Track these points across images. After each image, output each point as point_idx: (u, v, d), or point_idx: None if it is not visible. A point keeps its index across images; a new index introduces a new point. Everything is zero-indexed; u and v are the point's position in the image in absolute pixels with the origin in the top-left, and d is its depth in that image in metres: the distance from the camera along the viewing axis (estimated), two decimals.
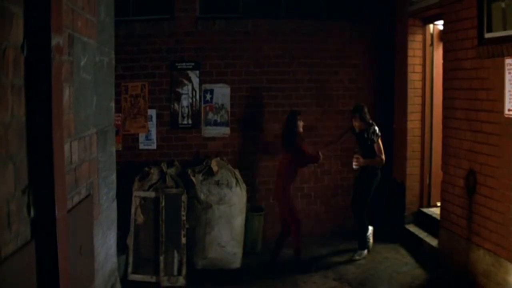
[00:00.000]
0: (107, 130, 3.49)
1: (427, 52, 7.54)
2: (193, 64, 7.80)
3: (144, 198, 6.73)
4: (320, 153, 6.87)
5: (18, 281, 1.83)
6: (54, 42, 2.05)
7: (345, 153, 7.90)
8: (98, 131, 3.18)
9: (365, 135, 6.88)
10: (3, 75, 1.78)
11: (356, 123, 6.97)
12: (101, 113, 3.28)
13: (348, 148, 7.88)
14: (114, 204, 3.76)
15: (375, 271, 6.61)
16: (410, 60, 7.54)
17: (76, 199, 2.67)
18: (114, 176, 3.76)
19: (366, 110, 7.01)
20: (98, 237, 3.13)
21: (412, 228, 7.40)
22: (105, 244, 3.36)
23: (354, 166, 6.99)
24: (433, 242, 6.65)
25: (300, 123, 6.77)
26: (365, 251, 7.07)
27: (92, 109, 3.03)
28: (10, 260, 1.78)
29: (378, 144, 6.88)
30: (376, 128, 6.88)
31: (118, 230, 4.55)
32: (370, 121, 6.92)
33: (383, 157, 6.89)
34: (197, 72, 7.82)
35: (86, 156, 2.89)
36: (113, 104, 3.74)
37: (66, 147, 2.49)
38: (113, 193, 3.71)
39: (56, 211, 2.01)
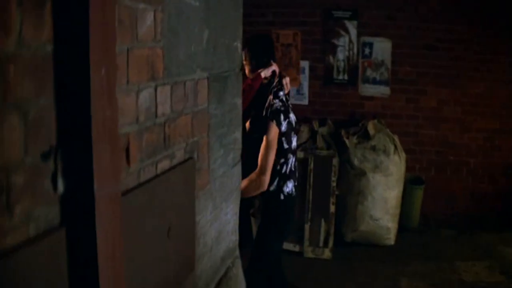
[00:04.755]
0: (228, 76, 2.76)
1: None
2: (350, 13, 6.89)
3: None
4: None
5: (30, 282, 1.21)
6: None
7: None
8: (211, 76, 2.47)
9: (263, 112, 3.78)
10: None
11: (247, 68, 3.91)
12: (217, 53, 2.55)
13: None
14: (236, 169, 3.03)
15: None
16: None
17: (165, 164, 2.00)
18: (237, 135, 3.03)
19: (273, 52, 4.00)
20: (205, 212, 2.47)
21: None
22: (218, 220, 2.69)
23: None
24: None
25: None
26: None
27: (201, 46, 2.31)
28: (11, 256, 1.16)
29: (271, 133, 3.69)
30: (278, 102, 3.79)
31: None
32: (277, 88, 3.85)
33: (268, 173, 3.67)
34: (355, 22, 6.90)
35: (187, 107, 2.20)
36: (238, 44, 2.98)
37: (145, 94, 1.82)
38: (235, 155, 2.99)
39: (95, 186, 1.34)
